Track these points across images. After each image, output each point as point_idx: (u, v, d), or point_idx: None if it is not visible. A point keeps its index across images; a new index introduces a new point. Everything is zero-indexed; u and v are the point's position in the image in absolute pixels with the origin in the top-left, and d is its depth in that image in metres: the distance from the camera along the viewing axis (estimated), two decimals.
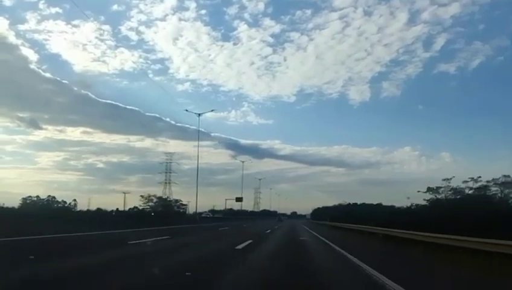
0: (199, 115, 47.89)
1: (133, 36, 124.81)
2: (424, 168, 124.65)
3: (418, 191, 29.89)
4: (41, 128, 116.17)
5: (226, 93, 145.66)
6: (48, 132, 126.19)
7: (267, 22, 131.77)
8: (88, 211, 60.94)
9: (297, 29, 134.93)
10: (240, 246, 12.24)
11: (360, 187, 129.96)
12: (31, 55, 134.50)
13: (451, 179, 28.00)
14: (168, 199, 70.26)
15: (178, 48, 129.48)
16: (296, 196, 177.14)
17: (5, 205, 41.19)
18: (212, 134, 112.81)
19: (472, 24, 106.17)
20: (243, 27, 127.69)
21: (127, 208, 71.61)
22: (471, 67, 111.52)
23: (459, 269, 8.79)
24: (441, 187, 28.49)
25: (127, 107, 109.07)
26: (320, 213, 78.98)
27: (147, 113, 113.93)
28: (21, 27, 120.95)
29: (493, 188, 24.40)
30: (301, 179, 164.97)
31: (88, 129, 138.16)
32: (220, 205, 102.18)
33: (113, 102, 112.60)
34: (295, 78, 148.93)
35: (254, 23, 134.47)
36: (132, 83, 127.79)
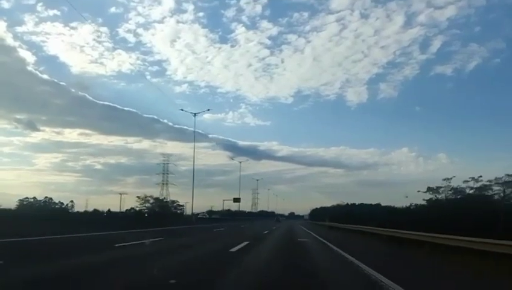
0: (195, 114, 47.52)
1: (131, 38, 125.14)
2: (421, 169, 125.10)
3: (418, 191, 29.40)
4: (38, 130, 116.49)
5: (224, 95, 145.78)
6: (46, 134, 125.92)
7: (265, 24, 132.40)
8: (85, 212, 60.50)
9: (295, 32, 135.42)
10: (234, 249, 11.56)
11: (358, 188, 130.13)
12: (28, 57, 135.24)
13: (451, 178, 27.49)
14: (165, 200, 69.64)
15: (176, 50, 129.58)
16: (294, 197, 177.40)
17: (2, 207, 40.83)
18: (210, 135, 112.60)
19: (468, 26, 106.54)
20: (240, 29, 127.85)
21: (123, 209, 71.24)
22: (467, 69, 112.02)
23: (474, 272, 8.25)
24: (441, 187, 27.96)
25: (125, 108, 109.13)
26: (318, 214, 78.49)
27: (145, 115, 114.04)
28: (19, 29, 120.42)
29: (495, 188, 23.87)
30: (299, 180, 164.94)
31: (86, 131, 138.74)
32: (217, 206, 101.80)
33: (110, 104, 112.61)
34: (292, 80, 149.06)
35: (252, 25, 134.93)
36: (130, 84, 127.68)
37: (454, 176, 27.57)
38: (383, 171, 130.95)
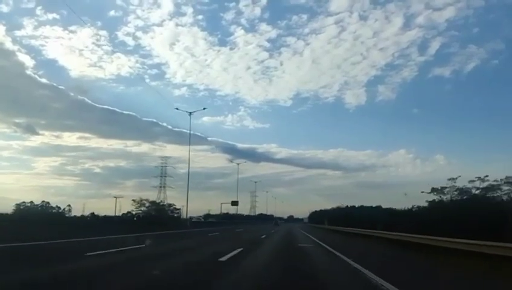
0: (190, 113, 46.30)
1: (130, 41, 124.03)
2: (418, 171, 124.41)
3: (422, 192, 28.05)
4: (38, 134, 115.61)
5: (223, 98, 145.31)
6: (45, 138, 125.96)
7: (264, 27, 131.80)
8: (82, 216, 59.12)
9: (294, 34, 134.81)
10: (225, 257, 10.08)
11: (356, 190, 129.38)
12: (27, 61, 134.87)
13: (457, 178, 26.14)
14: (161, 203, 68.17)
15: (175, 53, 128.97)
16: (293, 200, 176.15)
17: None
18: (209, 138, 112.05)
19: (467, 28, 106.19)
20: (239, 32, 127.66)
21: (120, 213, 69.76)
22: (466, 71, 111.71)
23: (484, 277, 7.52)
24: (446, 187, 26.62)
25: (124, 112, 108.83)
26: (317, 216, 77.16)
27: (144, 118, 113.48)
28: (18, 33, 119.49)
29: (505, 187, 22.58)
30: (298, 183, 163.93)
31: (85, 134, 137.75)
32: (216, 210, 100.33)
33: (109, 107, 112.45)
34: (291, 83, 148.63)
35: (251, 28, 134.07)
36: (129, 88, 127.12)
37: (459, 176, 26.23)
38: (381, 173, 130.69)
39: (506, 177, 21.77)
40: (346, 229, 29.22)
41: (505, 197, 22.76)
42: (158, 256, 11.15)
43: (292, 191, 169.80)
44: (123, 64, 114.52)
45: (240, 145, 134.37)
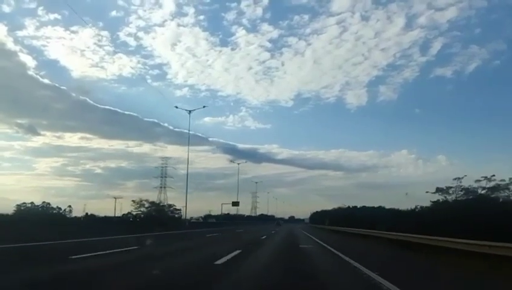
0: (189, 112, 45.78)
1: (132, 42, 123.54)
2: (420, 171, 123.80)
3: (427, 192, 27.39)
4: (39, 135, 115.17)
5: (224, 98, 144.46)
6: (46, 138, 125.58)
7: (265, 27, 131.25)
8: (82, 217, 58.64)
9: (295, 34, 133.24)
10: (221, 260, 9.40)
11: (358, 191, 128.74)
12: (29, 61, 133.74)
13: (462, 178, 25.46)
14: (161, 204, 67.64)
15: (176, 54, 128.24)
16: (294, 200, 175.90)
17: (0, 212, 38.93)
18: (210, 139, 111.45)
19: (469, 28, 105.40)
20: (241, 32, 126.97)
21: (121, 214, 69.33)
22: (467, 71, 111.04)
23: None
24: (451, 187, 25.94)
25: (125, 112, 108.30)
26: (319, 217, 76.45)
27: (145, 119, 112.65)
28: (19, 33, 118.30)
29: None
30: (299, 183, 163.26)
31: (86, 135, 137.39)
32: (217, 210, 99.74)
33: (111, 108, 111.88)
34: (293, 83, 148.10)
35: (252, 28, 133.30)
36: (130, 88, 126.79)
37: (465, 175, 25.55)
38: (383, 173, 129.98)
39: None
40: (348, 230, 28.70)
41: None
42: (153, 258, 10.43)
43: (293, 192, 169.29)
44: (125, 65, 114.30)
45: (241, 146, 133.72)
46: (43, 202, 67.76)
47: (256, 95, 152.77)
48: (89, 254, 10.25)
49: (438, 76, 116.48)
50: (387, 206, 43.30)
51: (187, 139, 47.22)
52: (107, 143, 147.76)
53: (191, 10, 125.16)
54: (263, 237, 23.80)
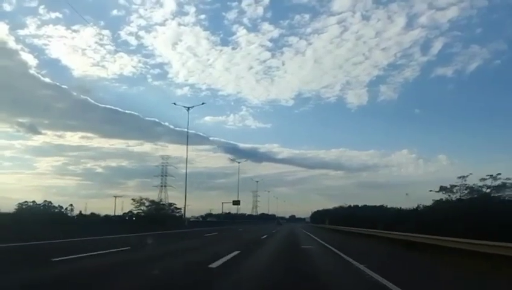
0: (188, 108, 45.43)
1: (133, 41, 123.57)
2: (421, 171, 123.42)
3: (430, 191, 26.87)
4: (40, 134, 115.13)
5: (225, 98, 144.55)
6: (47, 137, 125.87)
7: (266, 26, 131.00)
8: (83, 216, 58.30)
9: (296, 34, 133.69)
10: (216, 263, 8.71)
11: (358, 190, 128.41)
12: (30, 60, 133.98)
13: (467, 176, 24.93)
14: (162, 203, 67.25)
15: (177, 53, 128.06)
16: (295, 199, 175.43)
17: (1, 211, 38.64)
18: (211, 138, 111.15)
19: (469, 28, 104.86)
20: (241, 32, 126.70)
21: (121, 213, 68.97)
22: (468, 71, 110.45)
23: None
24: (455, 186, 25.42)
25: (126, 111, 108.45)
26: (319, 216, 76.03)
27: (146, 118, 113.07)
28: (21, 32, 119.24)
29: None
30: (300, 183, 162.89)
31: (87, 134, 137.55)
32: (217, 209, 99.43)
33: (112, 107, 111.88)
34: (293, 82, 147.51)
35: (253, 27, 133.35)
36: (131, 87, 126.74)
37: (471, 173, 25.01)
38: (383, 173, 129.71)
39: None
40: (349, 229, 28.37)
41: None
42: (143, 261, 9.76)
43: (294, 191, 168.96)
44: (126, 64, 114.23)
45: (241, 145, 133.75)
46: (45, 201, 67.60)
47: (257, 94, 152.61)
48: (70, 257, 9.46)
49: (439, 76, 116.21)
50: (389, 206, 42.89)
51: (188, 138, 46.81)
52: (108, 142, 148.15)
53: (192, 9, 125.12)
54: (264, 237, 23.33)
